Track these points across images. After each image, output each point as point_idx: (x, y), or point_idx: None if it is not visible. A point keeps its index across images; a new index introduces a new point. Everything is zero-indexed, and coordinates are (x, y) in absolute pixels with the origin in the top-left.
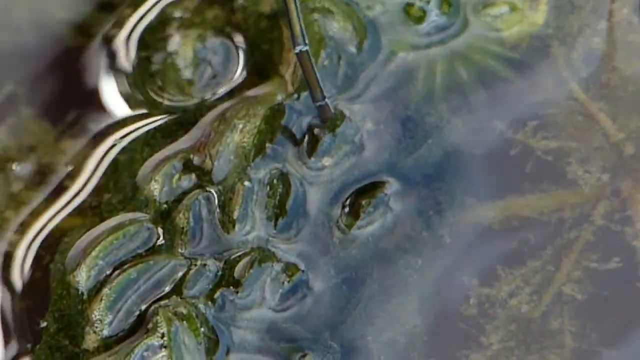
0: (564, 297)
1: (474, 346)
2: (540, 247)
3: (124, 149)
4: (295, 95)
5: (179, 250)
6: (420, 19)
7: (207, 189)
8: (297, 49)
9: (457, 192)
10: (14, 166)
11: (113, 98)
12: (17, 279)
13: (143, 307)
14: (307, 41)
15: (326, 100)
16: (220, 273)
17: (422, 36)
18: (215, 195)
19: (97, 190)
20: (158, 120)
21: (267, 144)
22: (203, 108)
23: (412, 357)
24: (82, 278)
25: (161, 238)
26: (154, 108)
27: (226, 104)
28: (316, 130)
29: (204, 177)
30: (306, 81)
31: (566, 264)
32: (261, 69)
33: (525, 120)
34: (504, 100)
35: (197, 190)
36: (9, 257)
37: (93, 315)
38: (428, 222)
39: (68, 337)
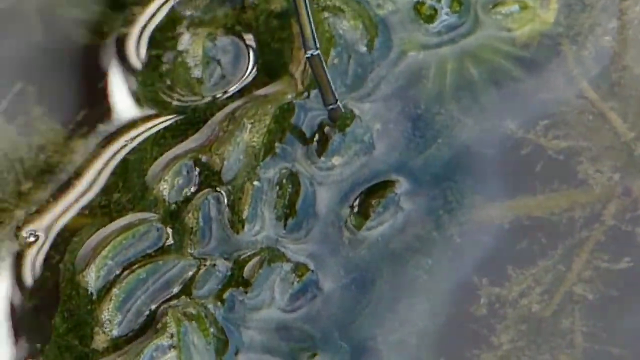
0: (575, 296)
1: (484, 346)
2: (551, 247)
3: (133, 149)
4: (305, 94)
5: (188, 250)
6: (430, 18)
7: (217, 188)
8: (308, 53)
9: (467, 191)
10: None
11: (123, 97)
12: (27, 278)
13: (152, 308)
14: (318, 45)
15: (338, 103)
16: (229, 273)
17: (433, 35)
18: (225, 195)
19: (107, 190)
20: (168, 120)
21: (277, 144)
22: (213, 107)
23: (422, 358)
24: (92, 278)
25: (170, 238)
26: (164, 107)
27: (236, 103)
28: (326, 130)
29: (213, 176)
30: (318, 85)
31: (577, 263)
32: (271, 67)
33: (536, 119)
34: (515, 99)
35: (206, 190)
36: (18, 256)
37: (102, 316)
38: (438, 221)
39: (77, 337)
